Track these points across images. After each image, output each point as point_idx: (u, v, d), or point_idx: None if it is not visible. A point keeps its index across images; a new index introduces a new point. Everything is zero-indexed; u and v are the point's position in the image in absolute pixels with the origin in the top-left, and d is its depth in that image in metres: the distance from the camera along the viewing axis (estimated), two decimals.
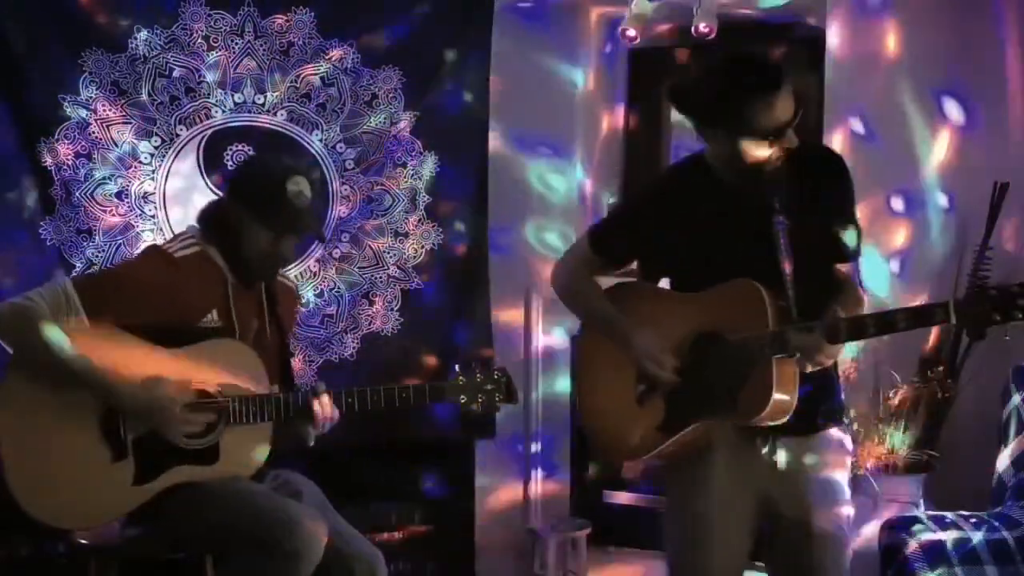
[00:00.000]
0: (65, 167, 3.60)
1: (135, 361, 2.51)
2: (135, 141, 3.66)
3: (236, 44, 3.71)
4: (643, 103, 4.36)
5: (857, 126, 3.76)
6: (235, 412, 2.55)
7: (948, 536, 2.92)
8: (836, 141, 3.72)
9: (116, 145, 3.65)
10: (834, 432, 2.39)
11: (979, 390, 3.48)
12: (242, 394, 2.56)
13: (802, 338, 2.16)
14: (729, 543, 2.36)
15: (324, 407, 2.60)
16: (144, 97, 3.65)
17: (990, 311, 1.99)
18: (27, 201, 3.60)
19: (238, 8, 3.71)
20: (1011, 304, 1.98)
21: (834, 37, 3.78)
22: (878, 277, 3.61)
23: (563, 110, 4.17)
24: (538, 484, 4.17)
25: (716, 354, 2.29)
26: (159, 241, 3.67)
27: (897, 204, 3.75)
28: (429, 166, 3.91)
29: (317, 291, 3.86)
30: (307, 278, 3.84)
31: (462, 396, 2.66)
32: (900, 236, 3.74)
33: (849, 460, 2.43)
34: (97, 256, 3.65)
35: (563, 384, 4.14)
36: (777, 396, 2.20)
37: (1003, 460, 3.18)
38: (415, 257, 3.93)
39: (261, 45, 3.73)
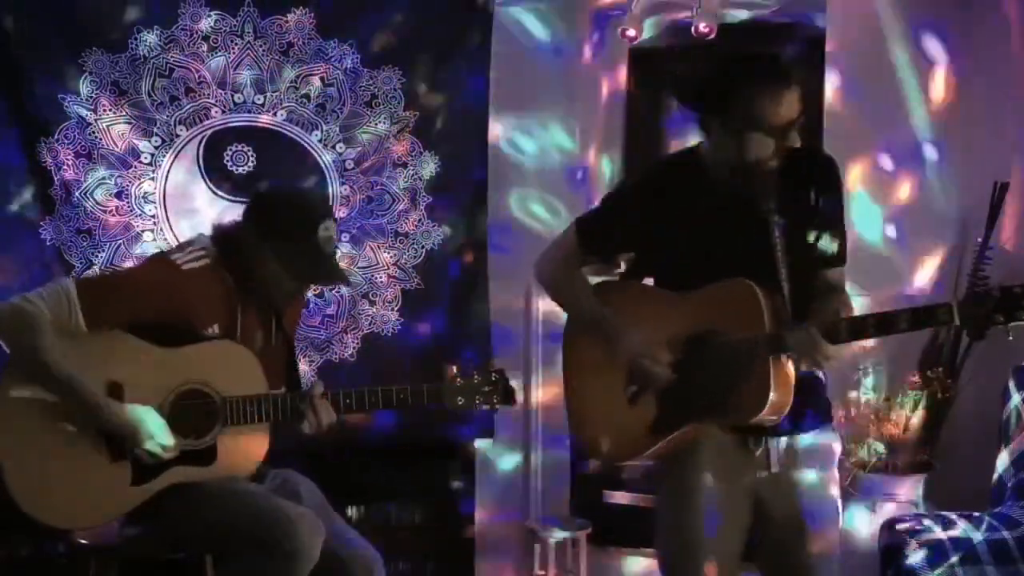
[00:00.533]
0: (65, 167, 3.60)
1: (134, 360, 2.52)
2: (135, 141, 3.67)
3: (236, 44, 3.71)
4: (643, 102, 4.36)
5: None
6: (232, 412, 2.54)
7: (948, 536, 2.92)
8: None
9: (116, 145, 3.66)
10: (822, 431, 2.39)
11: (979, 390, 3.48)
12: (239, 395, 2.56)
13: (800, 337, 2.15)
14: (721, 544, 2.35)
15: (320, 409, 2.58)
16: (144, 97, 3.65)
17: (992, 312, 1.99)
18: (27, 201, 3.60)
19: (238, 8, 3.71)
20: (1014, 305, 1.98)
21: (833, 37, 3.79)
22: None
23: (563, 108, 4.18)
24: (538, 484, 4.16)
25: (710, 354, 2.27)
26: (158, 241, 3.69)
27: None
28: (429, 166, 3.91)
29: (317, 291, 3.86)
30: None
31: (460, 397, 2.65)
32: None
33: (837, 459, 2.43)
34: (97, 256, 3.65)
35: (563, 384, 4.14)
36: (774, 397, 2.19)
37: (1003, 460, 3.18)
38: (415, 257, 3.93)
39: (261, 45, 3.73)
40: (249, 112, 3.75)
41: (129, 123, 3.66)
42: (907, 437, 3.46)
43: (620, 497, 4.15)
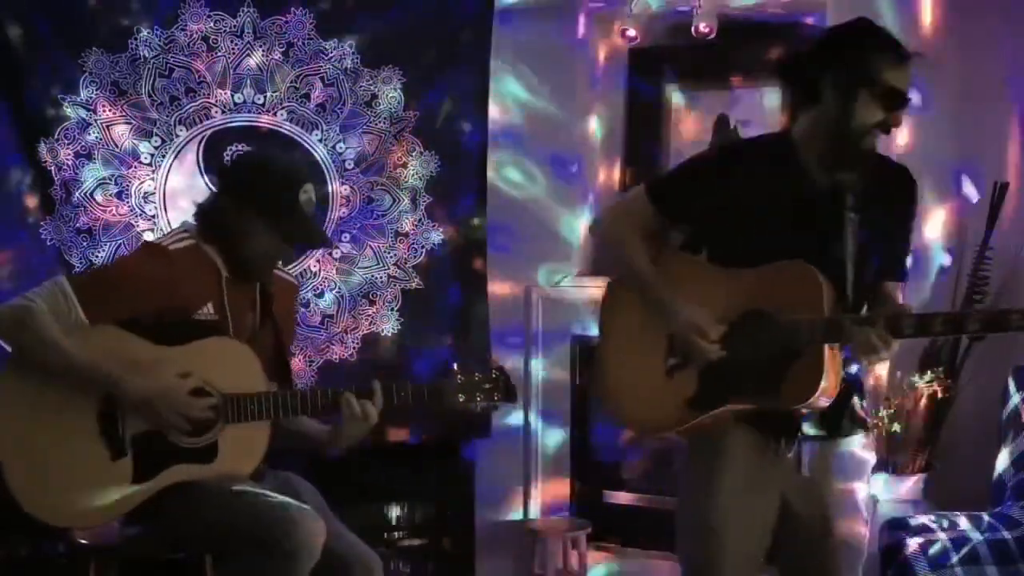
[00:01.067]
0: (65, 167, 3.61)
1: (133, 359, 2.52)
2: (135, 141, 3.67)
3: (236, 44, 3.72)
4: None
5: None
6: (233, 410, 2.55)
7: (948, 536, 2.91)
8: None
9: (116, 145, 3.66)
10: (857, 439, 2.36)
11: (979, 390, 3.47)
12: (240, 392, 2.56)
13: (859, 329, 2.10)
14: (745, 544, 2.31)
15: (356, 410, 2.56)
16: (144, 97, 3.65)
17: None
18: (27, 201, 3.61)
19: (238, 8, 3.71)
20: None
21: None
22: None
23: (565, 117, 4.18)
24: (538, 484, 4.17)
25: (762, 334, 2.20)
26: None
27: None
28: (429, 166, 3.91)
29: (317, 291, 3.86)
30: (307, 278, 3.84)
31: (460, 395, 2.65)
32: None
33: (870, 468, 2.39)
34: (97, 256, 3.65)
35: (563, 383, 4.14)
36: (825, 384, 2.12)
37: (1003, 460, 3.17)
38: (415, 257, 3.93)
39: (261, 45, 3.73)
40: (249, 112, 3.75)
41: (129, 123, 3.66)
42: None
43: (620, 497, 4.15)
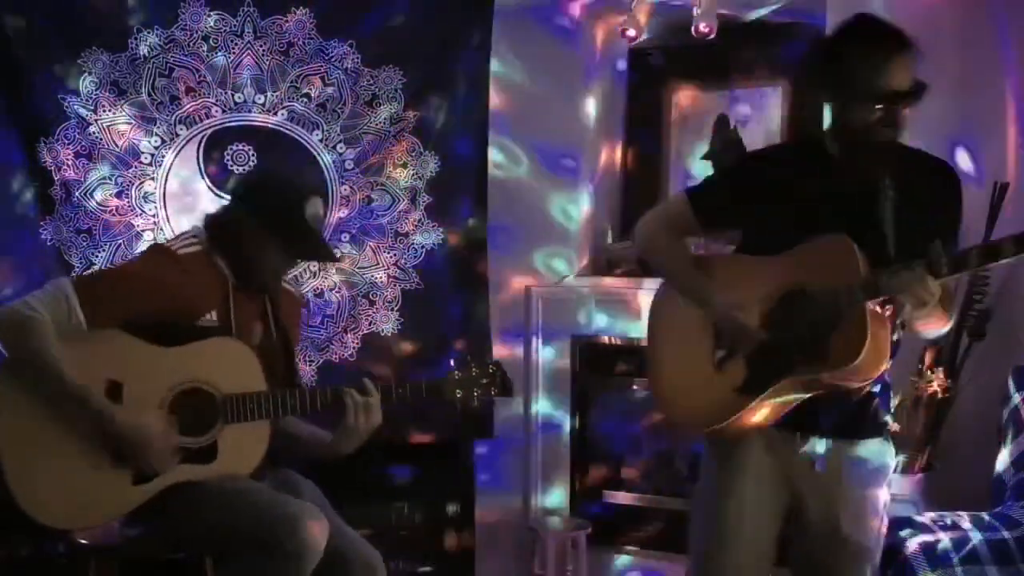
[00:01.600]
0: (65, 167, 3.60)
1: (133, 359, 2.52)
2: (135, 141, 3.67)
3: (236, 44, 3.71)
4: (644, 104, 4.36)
5: None
6: (233, 410, 2.55)
7: (948, 536, 2.92)
8: None
9: (116, 145, 3.66)
10: (877, 443, 2.35)
11: (979, 390, 3.47)
12: (239, 392, 2.56)
13: (898, 278, 2.09)
14: (757, 543, 2.33)
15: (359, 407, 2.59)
16: (144, 97, 3.65)
17: None
18: (27, 201, 3.60)
19: (238, 8, 3.71)
20: None
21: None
22: None
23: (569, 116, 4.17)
24: (538, 484, 4.16)
25: (803, 307, 2.20)
26: (159, 241, 3.68)
27: None
28: (429, 166, 3.91)
29: (317, 291, 3.86)
30: (307, 278, 3.84)
31: (458, 391, 2.66)
32: None
33: (890, 473, 2.39)
34: (97, 256, 3.65)
35: (563, 383, 4.14)
36: (871, 344, 2.11)
37: (1003, 460, 3.17)
38: (415, 257, 3.93)
39: (261, 45, 3.73)
40: (249, 112, 3.75)
41: (129, 123, 3.66)
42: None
43: (620, 497, 4.15)
